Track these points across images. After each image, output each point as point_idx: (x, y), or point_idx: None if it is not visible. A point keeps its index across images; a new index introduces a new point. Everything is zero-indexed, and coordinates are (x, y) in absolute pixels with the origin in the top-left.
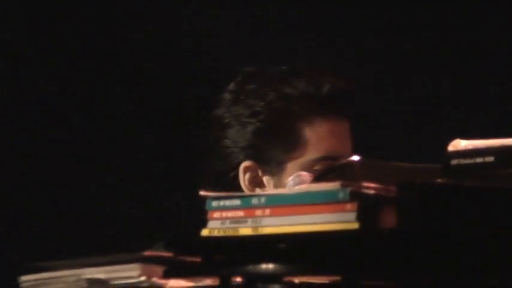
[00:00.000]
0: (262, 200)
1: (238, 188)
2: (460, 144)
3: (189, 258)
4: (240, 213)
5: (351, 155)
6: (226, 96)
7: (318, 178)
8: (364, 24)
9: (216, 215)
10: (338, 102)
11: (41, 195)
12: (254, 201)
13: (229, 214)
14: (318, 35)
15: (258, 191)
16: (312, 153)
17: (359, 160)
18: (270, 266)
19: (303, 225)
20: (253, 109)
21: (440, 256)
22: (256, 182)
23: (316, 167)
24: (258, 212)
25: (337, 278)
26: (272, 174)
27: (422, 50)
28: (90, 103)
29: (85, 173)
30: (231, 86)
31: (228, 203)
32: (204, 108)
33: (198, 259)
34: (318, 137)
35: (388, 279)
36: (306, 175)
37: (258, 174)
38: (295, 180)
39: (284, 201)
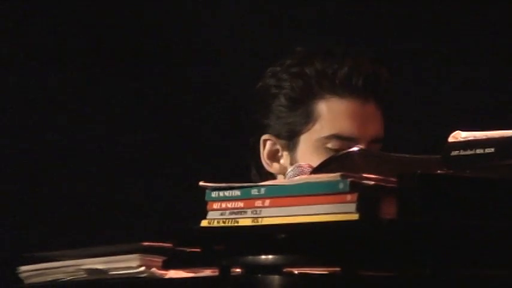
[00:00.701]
0: (262, 190)
1: (261, 163)
2: (460, 135)
3: (188, 249)
4: (240, 203)
5: (375, 137)
6: (268, 69)
7: (318, 169)
8: (367, 22)
9: (216, 205)
10: (357, 83)
11: (40, 185)
12: (254, 191)
13: (229, 205)
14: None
15: (275, 165)
16: (323, 130)
17: (359, 151)
18: (270, 256)
19: (302, 216)
20: (280, 82)
21: (441, 247)
22: (275, 157)
23: (328, 145)
24: (258, 203)
25: (337, 268)
26: (289, 149)
27: (424, 41)
28: (88, 91)
29: (84, 162)
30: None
31: (227, 193)
32: (204, 102)
33: (197, 250)
34: (331, 115)
35: (388, 270)
36: (305, 165)
37: (277, 148)
38: (295, 170)
39: (284, 192)
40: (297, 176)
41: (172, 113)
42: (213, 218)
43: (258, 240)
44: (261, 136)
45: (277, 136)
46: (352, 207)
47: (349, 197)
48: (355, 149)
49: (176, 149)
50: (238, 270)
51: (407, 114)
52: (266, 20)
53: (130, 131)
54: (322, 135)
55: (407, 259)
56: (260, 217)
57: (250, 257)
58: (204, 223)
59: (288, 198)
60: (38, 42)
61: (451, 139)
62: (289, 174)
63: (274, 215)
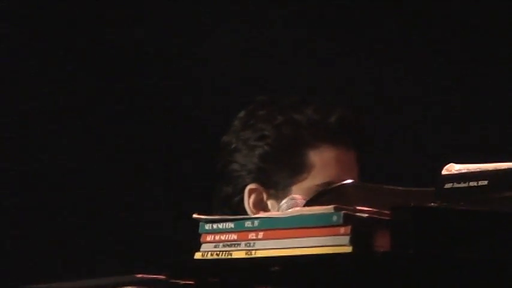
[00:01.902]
0: (256, 223)
1: (244, 212)
2: (453, 167)
3: (182, 281)
4: (233, 236)
5: None
6: (236, 123)
7: (311, 201)
8: (361, 45)
9: (209, 238)
10: (345, 131)
11: (34, 217)
12: (247, 224)
13: (223, 237)
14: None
15: (262, 214)
16: (316, 179)
17: (352, 183)
18: None
19: (296, 248)
20: (261, 133)
21: (434, 280)
22: (261, 205)
23: None
24: (252, 235)
25: None
26: (277, 198)
27: (415, 74)
28: (83, 119)
29: (78, 193)
30: (241, 114)
31: (221, 226)
32: (197, 134)
33: (191, 282)
34: (323, 163)
35: None
36: (299, 198)
37: (263, 197)
38: (289, 203)
39: (277, 225)
40: (291, 208)
41: (166, 143)
42: (207, 250)
43: (252, 273)
44: (241, 185)
45: (264, 186)
46: (346, 239)
47: (342, 229)
48: (348, 181)
49: (171, 180)
50: None
51: (401, 147)
52: (257, 60)
53: (123, 161)
54: (314, 184)
55: None
56: (254, 249)
57: None
58: (197, 255)
59: (282, 230)
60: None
61: (444, 172)
62: (282, 207)
63: (267, 248)
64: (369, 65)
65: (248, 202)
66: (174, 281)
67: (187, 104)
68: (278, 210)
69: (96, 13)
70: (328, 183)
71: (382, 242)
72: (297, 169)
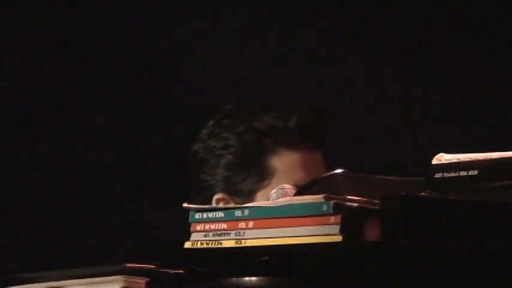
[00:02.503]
0: (246, 212)
1: None
2: (443, 157)
3: (172, 270)
4: (223, 225)
5: None
6: (203, 132)
7: (301, 191)
8: (347, 35)
9: (199, 227)
10: (305, 134)
11: (23, 207)
12: (237, 213)
13: (213, 226)
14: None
15: None
16: (280, 184)
17: (343, 173)
18: (253, 278)
19: (286, 237)
20: (225, 142)
21: (424, 268)
22: None
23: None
24: (241, 225)
25: None
26: None
27: (407, 62)
28: (74, 112)
29: (68, 184)
30: (210, 122)
31: (211, 215)
32: (188, 125)
33: (181, 271)
34: (286, 168)
35: None
36: (289, 187)
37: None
38: (279, 192)
39: (267, 214)
40: (280, 198)
41: (156, 135)
42: (197, 240)
43: (241, 262)
44: (209, 195)
45: (231, 195)
46: (336, 229)
47: (332, 219)
48: (338, 171)
49: (161, 170)
50: None
51: (391, 137)
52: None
53: (114, 153)
54: None
55: (390, 281)
56: (243, 239)
57: (233, 279)
58: (187, 244)
59: (272, 220)
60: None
61: (434, 161)
62: (272, 196)
63: (257, 237)
64: (361, 60)
65: None
66: (164, 270)
67: (177, 96)
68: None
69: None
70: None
71: (372, 232)
72: (260, 176)
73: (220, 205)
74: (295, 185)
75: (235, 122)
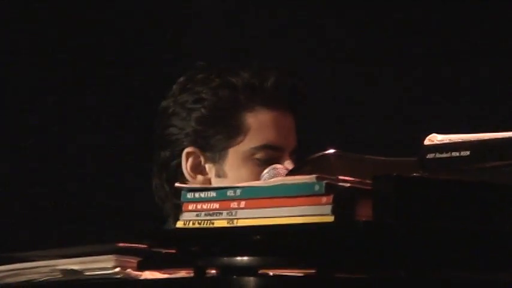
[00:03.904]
0: (238, 192)
1: (182, 176)
2: (436, 138)
3: (163, 250)
4: (215, 205)
5: (295, 147)
6: (175, 87)
7: (293, 171)
8: (339, 18)
9: (191, 206)
10: (282, 94)
11: (13, 186)
12: (229, 193)
13: (204, 206)
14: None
15: (199, 177)
16: (253, 141)
17: (335, 153)
18: (245, 258)
19: (278, 217)
20: (198, 95)
21: (416, 249)
22: (198, 169)
23: (257, 155)
24: (233, 204)
25: (312, 270)
26: (214, 161)
27: (397, 44)
28: (65, 93)
29: (59, 164)
30: (180, 79)
31: (203, 194)
32: None
33: (173, 251)
34: (259, 126)
35: (364, 272)
36: (281, 167)
37: (200, 160)
38: (271, 172)
39: (259, 194)
40: (272, 177)
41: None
42: (189, 219)
43: (233, 242)
44: (178, 149)
45: (202, 149)
46: (328, 209)
47: (324, 199)
48: (330, 151)
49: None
50: (213, 271)
51: (383, 116)
52: None
53: (105, 132)
54: (251, 146)
55: (382, 261)
56: (235, 218)
57: (225, 258)
58: (179, 224)
59: (264, 199)
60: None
61: (427, 142)
62: (264, 176)
63: (249, 217)
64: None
65: (186, 166)
66: (155, 249)
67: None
68: (218, 174)
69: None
70: (265, 146)
71: (364, 212)
72: (234, 132)
73: (190, 160)
74: (267, 144)
75: (210, 76)
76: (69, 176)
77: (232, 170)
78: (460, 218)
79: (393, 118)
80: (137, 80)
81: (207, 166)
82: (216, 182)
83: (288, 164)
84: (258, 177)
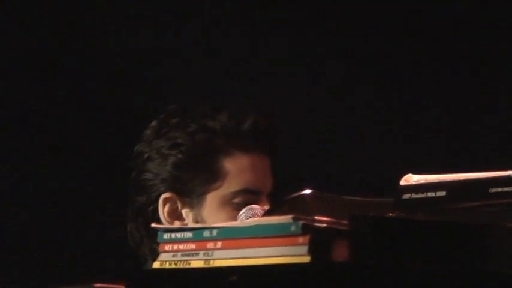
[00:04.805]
0: (214, 232)
1: (159, 222)
2: (412, 178)
3: None
4: (192, 245)
5: (271, 190)
6: (148, 131)
7: (270, 211)
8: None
9: (168, 247)
10: (259, 137)
11: None
12: (206, 233)
13: (181, 246)
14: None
15: (177, 223)
16: (231, 186)
17: (311, 193)
18: None
19: (254, 258)
20: (174, 141)
21: None
22: (175, 215)
23: (235, 200)
24: (210, 245)
25: None
26: (192, 206)
27: (376, 81)
28: (44, 126)
29: (36, 201)
30: (153, 123)
31: (179, 235)
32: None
33: None
34: (237, 170)
35: None
36: (257, 208)
37: (177, 206)
38: (247, 213)
39: (236, 234)
40: (249, 218)
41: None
42: (165, 260)
43: (210, 282)
44: (155, 195)
45: (179, 194)
46: (304, 249)
47: (301, 239)
48: (307, 191)
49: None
50: None
51: (360, 157)
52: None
53: (78, 167)
54: (230, 191)
55: None
56: (212, 259)
57: None
58: (156, 264)
59: (240, 240)
60: None
61: (403, 182)
62: (241, 217)
63: (226, 257)
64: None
65: (163, 211)
66: None
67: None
68: (196, 220)
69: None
70: (244, 191)
71: (341, 252)
72: (212, 177)
73: (168, 206)
74: (246, 189)
75: (186, 121)
76: (47, 215)
77: (211, 215)
78: (436, 258)
79: (369, 159)
80: (109, 121)
81: (184, 211)
82: None
83: (266, 207)
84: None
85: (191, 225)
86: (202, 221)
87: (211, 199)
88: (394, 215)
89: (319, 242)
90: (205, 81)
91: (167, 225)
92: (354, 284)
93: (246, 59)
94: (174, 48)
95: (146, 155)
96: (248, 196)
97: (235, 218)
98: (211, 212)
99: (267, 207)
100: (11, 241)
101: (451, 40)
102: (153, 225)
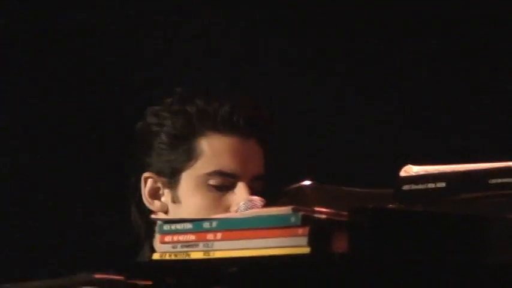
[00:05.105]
0: (214, 224)
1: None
2: (411, 169)
3: (140, 282)
4: (192, 237)
5: (256, 175)
6: (147, 111)
7: (270, 202)
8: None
9: (168, 238)
10: (238, 121)
11: None
12: (206, 225)
13: (181, 238)
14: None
15: (156, 203)
16: (206, 167)
17: (311, 185)
18: None
19: (254, 249)
20: (160, 121)
21: (391, 281)
22: (156, 194)
23: (210, 181)
24: (210, 236)
25: None
26: (170, 186)
27: (377, 72)
28: (39, 121)
29: (34, 195)
30: (156, 105)
31: (179, 226)
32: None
33: (149, 282)
34: (213, 152)
35: None
36: (257, 199)
37: (158, 186)
38: (247, 204)
39: (235, 225)
40: (249, 209)
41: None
42: (165, 251)
43: (210, 274)
44: (140, 174)
45: (159, 174)
46: (304, 240)
47: (300, 230)
48: (307, 182)
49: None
50: None
51: (359, 148)
52: None
53: (78, 159)
54: (204, 172)
55: None
56: (212, 250)
57: None
58: (155, 256)
59: (240, 231)
60: None
61: (402, 173)
62: (241, 208)
63: (225, 248)
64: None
65: (144, 191)
66: (132, 281)
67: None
68: (173, 200)
69: None
70: (218, 172)
71: (340, 244)
72: (186, 155)
73: (148, 185)
74: (220, 171)
75: (174, 102)
76: (47, 206)
77: (187, 195)
78: (436, 250)
79: (369, 150)
80: (111, 112)
81: (165, 191)
82: (172, 208)
83: (243, 191)
84: (212, 203)
85: (170, 205)
86: (179, 202)
87: (186, 178)
88: (393, 206)
89: (318, 233)
90: (204, 79)
91: (149, 206)
92: (354, 275)
93: (246, 58)
94: (173, 46)
95: (139, 135)
96: (223, 178)
97: (210, 200)
98: (187, 192)
99: (244, 192)
100: (10, 233)
101: (450, 30)
102: (153, 216)
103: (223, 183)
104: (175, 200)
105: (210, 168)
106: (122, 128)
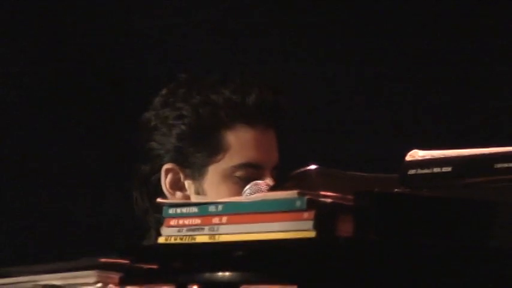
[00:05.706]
0: (220, 207)
1: (162, 192)
2: (417, 154)
3: (145, 265)
4: (197, 220)
5: (275, 164)
6: (157, 99)
7: (275, 186)
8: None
9: (173, 222)
10: (263, 111)
11: None
12: (211, 208)
13: (186, 221)
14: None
15: (178, 194)
16: (233, 160)
17: (316, 169)
18: (227, 273)
19: (259, 233)
20: (179, 112)
21: (396, 265)
22: (177, 186)
23: (237, 174)
24: (215, 220)
25: (293, 286)
26: (194, 178)
27: (387, 59)
28: (41, 104)
29: (41, 178)
30: (163, 91)
31: (185, 210)
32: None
33: (154, 266)
34: (240, 144)
35: (344, 287)
36: (262, 183)
37: (179, 177)
38: (252, 188)
39: (241, 209)
40: (254, 193)
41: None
42: (171, 235)
43: (215, 257)
44: (159, 164)
45: (181, 166)
46: (309, 224)
47: (306, 214)
48: (312, 167)
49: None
50: (195, 287)
51: (365, 132)
52: None
53: (82, 144)
54: (231, 165)
55: (363, 277)
56: (217, 234)
57: (207, 274)
58: (161, 240)
59: (245, 215)
60: None
61: (408, 158)
62: (246, 192)
63: (231, 232)
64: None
65: (165, 182)
66: (137, 265)
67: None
68: (197, 192)
69: None
70: (246, 164)
71: (346, 227)
72: (214, 150)
73: (169, 176)
74: (247, 163)
75: (192, 92)
76: (53, 191)
77: (212, 188)
78: (441, 234)
79: (375, 134)
80: (114, 94)
81: (187, 183)
82: (195, 199)
83: (269, 181)
84: (237, 195)
85: (193, 197)
86: (204, 194)
87: (213, 172)
88: (399, 190)
89: (324, 217)
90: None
91: (169, 197)
92: (359, 259)
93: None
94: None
95: (152, 124)
96: (250, 170)
97: (236, 192)
98: (213, 185)
99: (270, 181)
100: (13, 217)
101: (451, 20)
102: (159, 199)
103: (250, 175)
104: (199, 192)
105: (238, 161)
106: (128, 110)
